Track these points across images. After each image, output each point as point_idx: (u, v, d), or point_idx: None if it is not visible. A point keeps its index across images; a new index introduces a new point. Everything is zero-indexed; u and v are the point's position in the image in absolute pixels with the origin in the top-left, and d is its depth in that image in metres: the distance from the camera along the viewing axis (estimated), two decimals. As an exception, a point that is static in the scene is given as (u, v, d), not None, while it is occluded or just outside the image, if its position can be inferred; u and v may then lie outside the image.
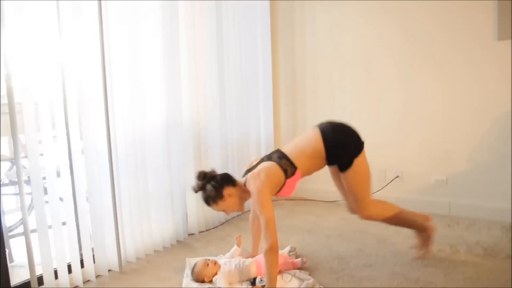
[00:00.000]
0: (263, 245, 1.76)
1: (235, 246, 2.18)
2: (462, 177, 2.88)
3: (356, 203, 2.02)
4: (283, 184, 1.91)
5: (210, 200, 1.89)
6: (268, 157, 1.97)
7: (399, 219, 2.11)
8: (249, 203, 2.09)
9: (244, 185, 1.92)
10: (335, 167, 2.05)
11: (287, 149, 1.97)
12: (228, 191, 1.89)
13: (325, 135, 1.94)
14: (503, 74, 2.67)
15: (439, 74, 2.90)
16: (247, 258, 2.09)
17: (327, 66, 3.37)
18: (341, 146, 1.94)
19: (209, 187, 1.89)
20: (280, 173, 1.88)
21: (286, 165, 1.90)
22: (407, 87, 3.04)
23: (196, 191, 1.94)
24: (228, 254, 2.20)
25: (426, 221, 2.15)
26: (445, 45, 2.85)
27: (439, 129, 2.94)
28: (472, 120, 2.81)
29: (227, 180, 1.92)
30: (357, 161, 1.93)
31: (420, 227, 2.13)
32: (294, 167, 1.91)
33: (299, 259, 2.09)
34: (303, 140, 2.00)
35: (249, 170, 1.97)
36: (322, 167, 2.02)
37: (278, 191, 1.93)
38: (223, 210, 1.93)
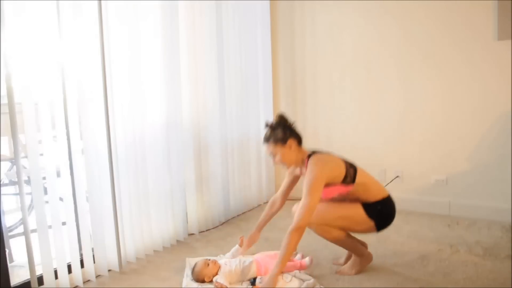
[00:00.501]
0: (293, 223, 1.77)
1: (237, 246, 2.18)
2: (462, 177, 2.88)
3: (318, 214, 1.89)
4: (334, 184, 1.91)
5: (272, 138, 1.94)
6: (342, 158, 1.99)
7: (338, 244, 2.02)
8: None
9: (307, 158, 1.93)
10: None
11: (358, 167, 1.98)
12: (293, 143, 1.94)
13: (390, 198, 2.01)
14: (503, 74, 2.67)
15: (439, 74, 2.90)
16: (251, 243, 2.15)
17: (327, 66, 3.37)
18: (386, 213, 1.98)
19: (281, 128, 1.95)
20: (341, 173, 1.90)
21: (350, 173, 1.91)
22: (407, 87, 3.04)
23: (268, 126, 1.99)
24: (228, 254, 2.20)
25: (365, 248, 2.11)
26: (445, 45, 2.85)
27: (439, 129, 2.94)
28: (472, 120, 2.81)
29: (298, 136, 1.99)
30: (370, 224, 1.93)
31: (359, 253, 2.05)
32: (353, 181, 1.92)
33: (307, 258, 2.09)
34: (374, 178, 2.03)
35: (315, 152, 1.98)
36: (363, 203, 1.97)
37: (325, 186, 1.90)
38: (275, 155, 1.96)
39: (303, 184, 1.84)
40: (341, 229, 1.96)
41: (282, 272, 1.98)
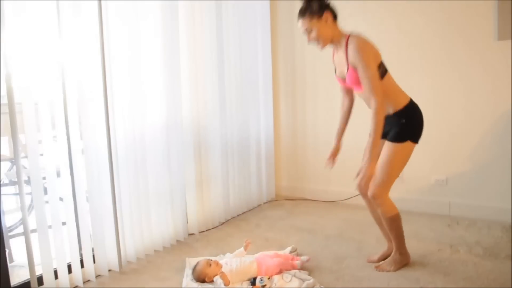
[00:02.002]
0: (372, 103, 1.82)
1: (242, 249, 2.19)
2: (462, 177, 2.88)
3: (378, 185, 1.97)
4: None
5: (308, 10, 1.89)
6: None
7: (392, 225, 2.03)
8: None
9: (346, 38, 1.91)
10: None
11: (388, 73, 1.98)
12: (328, 17, 1.89)
13: (412, 103, 2.03)
14: (503, 74, 2.67)
15: (439, 74, 2.90)
16: (332, 156, 2.23)
17: (327, 66, 3.37)
18: (413, 120, 2.00)
19: (316, 2, 1.90)
20: (379, 59, 1.90)
21: (383, 66, 1.92)
22: (407, 86, 3.02)
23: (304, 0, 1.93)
24: (231, 255, 2.20)
25: (406, 250, 2.10)
26: (445, 45, 2.85)
27: (439, 129, 2.94)
28: (472, 120, 2.81)
29: (333, 11, 1.93)
30: (408, 144, 1.97)
31: (403, 250, 2.07)
32: (382, 76, 1.90)
33: (304, 257, 2.10)
34: (395, 84, 2.04)
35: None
36: (386, 113, 1.96)
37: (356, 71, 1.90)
38: (310, 30, 1.93)
39: (363, 79, 1.83)
40: (398, 171, 1.99)
41: (282, 272, 1.98)
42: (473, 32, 2.74)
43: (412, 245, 2.34)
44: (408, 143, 1.97)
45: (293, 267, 2.03)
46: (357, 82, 1.91)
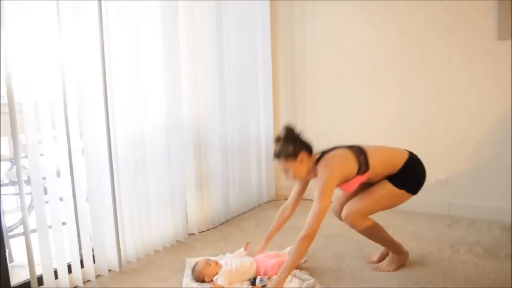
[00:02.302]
0: (303, 229, 1.75)
1: (242, 249, 2.19)
2: (462, 177, 2.88)
3: (354, 207, 1.94)
4: (351, 178, 1.90)
5: (282, 154, 1.89)
6: (349, 147, 1.96)
7: (379, 236, 2.02)
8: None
9: (316, 163, 1.91)
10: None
11: (368, 148, 1.96)
12: (303, 156, 1.89)
13: (411, 160, 1.98)
14: (503, 74, 2.67)
15: (439, 74, 2.90)
16: (256, 254, 2.11)
17: (327, 66, 3.37)
18: (413, 177, 1.98)
19: (290, 142, 1.90)
20: (354, 166, 1.87)
21: (362, 161, 1.88)
22: (407, 87, 3.04)
23: (277, 141, 1.94)
24: (231, 255, 2.20)
25: (402, 248, 2.09)
26: (445, 45, 2.85)
27: (439, 129, 2.94)
28: (472, 120, 2.81)
29: (308, 147, 1.94)
30: (402, 193, 1.94)
31: (398, 251, 2.06)
32: (367, 167, 1.89)
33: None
34: (388, 149, 2.01)
35: (323, 152, 1.96)
36: (382, 178, 1.98)
37: (343, 183, 1.91)
38: (286, 170, 1.92)
39: (315, 190, 1.82)
40: (379, 210, 1.95)
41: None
42: (473, 32, 2.74)
43: (412, 245, 2.34)
44: (403, 192, 1.95)
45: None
46: (350, 188, 1.94)
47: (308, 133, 3.48)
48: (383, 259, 2.13)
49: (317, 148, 3.55)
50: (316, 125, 3.47)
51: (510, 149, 2.68)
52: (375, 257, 2.17)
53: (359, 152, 1.91)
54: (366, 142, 3.24)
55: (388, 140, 3.13)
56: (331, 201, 1.81)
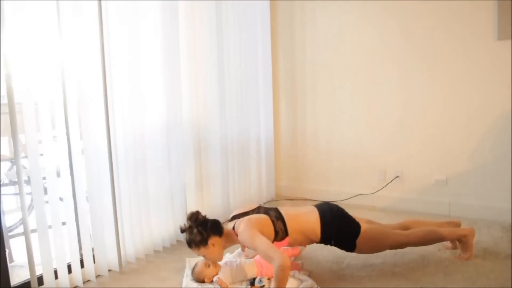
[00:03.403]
0: (274, 265, 1.69)
1: (239, 249, 2.19)
2: (462, 177, 2.88)
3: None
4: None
5: (193, 244, 1.87)
6: (265, 211, 1.96)
7: (432, 239, 2.06)
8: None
9: (233, 228, 1.90)
10: None
11: (285, 213, 1.95)
12: (213, 240, 1.87)
13: (324, 221, 1.95)
14: (503, 74, 2.67)
15: (439, 74, 2.90)
16: (252, 257, 2.09)
17: (327, 66, 3.37)
18: (338, 235, 1.96)
19: (195, 231, 1.86)
20: (271, 231, 1.88)
21: (279, 227, 1.89)
22: (407, 87, 3.04)
23: (182, 231, 1.92)
24: (230, 255, 2.20)
25: (458, 226, 2.14)
26: (445, 45, 2.85)
27: (439, 129, 2.94)
28: (472, 120, 2.81)
29: (215, 229, 1.90)
30: (360, 240, 1.94)
31: (458, 237, 2.11)
32: (285, 234, 1.90)
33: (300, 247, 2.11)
34: (303, 214, 1.99)
35: (237, 215, 1.97)
36: (311, 243, 2.02)
37: None
38: (203, 256, 1.93)
39: (259, 253, 1.80)
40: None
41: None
42: (473, 32, 2.74)
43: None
44: (359, 240, 1.95)
45: (294, 267, 2.03)
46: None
47: (308, 133, 3.51)
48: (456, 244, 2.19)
49: (317, 147, 3.55)
50: (316, 125, 3.47)
51: (510, 149, 2.68)
52: (449, 244, 2.24)
53: (277, 219, 1.91)
54: (366, 142, 3.24)
55: (388, 140, 3.13)
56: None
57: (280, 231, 1.89)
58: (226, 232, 1.94)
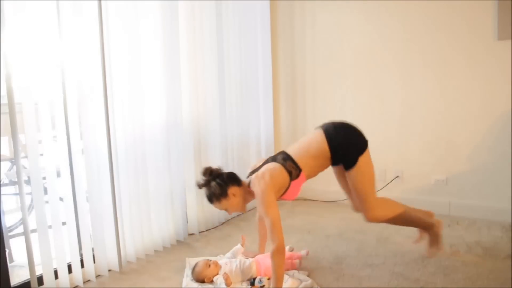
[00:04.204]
0: (270, 246, 1.73)
1: (239, 245, 2.18)
2: (462, 177, 2.88)
3: (361, 204, 1.99)
4: (288, 187, 1.89)
5: (213, 197, 1.89)
6: (273, 159, 1.95)
7: (403, 219, 2.08)
8: (254, 204, 2.07)
9: (249, 186, 1.91)
10: (340, 167, 2.04)
11: (291, 151, 1.95)
12: (232, 190, 1.89)
13: (329, 135, 1.93)
14: (503, 74, 2.67)
15: (439, 74, 2.90)
16: (252, 257, 2.09)
17: (327, 66, 3.37)
18: (345, 145, 1.93)
19: (214, 184, 1.88)
20: (285, 175, 1.87)
21: (291, 167, 1.88)
22: (408, 87, 3.04)
23: (200, 187, 1.93)
24: (229, 254, 2.20)
25: (430, 217, 2.14)
26: (446, 45, 2.85)
27: (439, 129, 2.94)
28: (472, 120, 2.81)
29: (233, 179, 1.91)
30: (361, 160, 1.93)
31: (425, 225, 2.12)
32: (299, 169, 1.89)
33: (303, 251, 2.10)
34: (307, 141, 1.98)
35: (253, 172, 1.95)
36: (326, 167, 2.00)
37: (283, 194, 1.92)
38: (225, 209, 1.93)
39: (259, 208, 1.83)
40: (373, 185, 1.97)
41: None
42: (473, 32, 2.74)
43: (412, 245, 2.34)
44: (361, 158, 1.93)
45: (293, 267, 2.03)
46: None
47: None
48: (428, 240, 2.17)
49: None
50: (316, 125, 3.46)
51: (510, 149, 2.68)
52: (417, 235, 2.23)
53: (285, 160, 1.90)
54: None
55: (388, 140, 3.13)
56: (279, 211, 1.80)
57: (292, 170, 1.87)
58: (244, 184, 1.94)
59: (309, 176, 1.96)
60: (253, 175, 1.89)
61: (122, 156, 2.18)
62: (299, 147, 1.96)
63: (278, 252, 1.72)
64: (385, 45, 3.08)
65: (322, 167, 1.99)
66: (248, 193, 1.94)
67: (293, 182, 1.90)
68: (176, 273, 2.12)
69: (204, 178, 1.92)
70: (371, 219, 2.00)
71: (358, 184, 1.96)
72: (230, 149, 3.03)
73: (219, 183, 1.87)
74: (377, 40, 3.11)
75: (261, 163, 1.99)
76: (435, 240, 2.12)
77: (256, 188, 1.82)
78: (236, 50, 3.05)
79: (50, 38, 1.88)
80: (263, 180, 1.82)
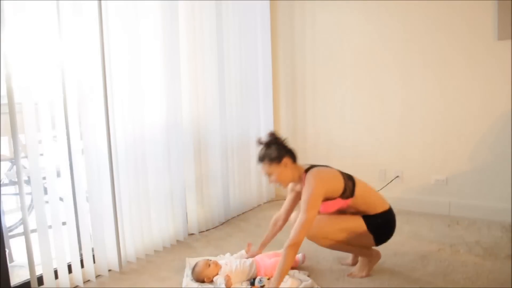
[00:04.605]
0: (289, 239, 1.73)
1: (243, 251, 2.19)
2: (462, 177, 2.88)
3: (318, 226, 1.89)
4: (332, 199, 1.87)
5: (266, 158, 1.90)
6: (340, 172, 1.94)
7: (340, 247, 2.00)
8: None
9: (304, 172, 1.90)
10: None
11: (356, 179, 1.94)
12: (287, 161, 1.89)
13: (391, 211, 1.96)
14: (503, 74, 2.67)
15: (439, 74, 2.90)
16: (253, 256, 2.09)
17: (327, 66, 3.37)
18: (386, 226, 1.94)
19: (274, 146, 1.90)
20: (339, 187, 1.86)
21: (348, 187, 1.88)
22: (407, 87, 3.04)
23: (260, 143, 1.95)
24: (231, 256, 2.20)
25: (369, 249, 2.04)
26: (446, 45, 2.85)
27: (439, 129, 2.94)
28: (472, 120, 2.81)
29: (292, 153, 1.94)
30: (369, 237, 1.91)
31: (366, 253, 2.02)
32: (352, 195, 1.88)
33: (300, 254, 2.09)
34: (374, 191, 1.99)
35: (314, 166, 1.94)
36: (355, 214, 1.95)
37: (323, 201, 1.88)
38: (270, 174, 1.92)
39: (301, 200, 1.81)
40: (340, 242, 1.92)
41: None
42: (473, 32, 2.74)
43: (412, 245, 2.35)
44: (370, 237, 1.91)
45: (293, 267, 2.03)
46: (327, 209, 1.91)
47: (308, 133, 3.50)
48: (357, 261, 2.09)
49: (317, 148, 3.55)
50: (316, 125, 3.47)
51: (510, 149, 2.68)
52: (349, 260, 2.16)
53: (348, 178, 1.91)
54: (367, 142, 3.24)
55: (388, 140, 3.13)
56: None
57: (348, 189, 1.87)
58: (299, 167, 1.94)
59: (349, 206, 1.91)
60: (315, 167, 1.90)
61: (122, 156, 2.18)
62: (365, 185, 1.96)
63: (294, 247, 1.72)
64: (385, 45, 3.08)
65: (357, 211, 1.94)
66: (299, 176, 1.93)
67: (339, 199, 1.88)
68: (176, 273, 2.12)
69: (269, 137, 1.94)
70: (313, 236, 1.93)
71: (339, 225, 1.91)
72: (230, 149, 3.03)
73: (278, 148, 1.90)
74: (377, 40, 3.11)
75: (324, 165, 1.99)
76: (365, 267, 2.01)
77: (310, 180, 1.82)
78: (236, 50, 3.05)
79: (50, 38, 1.88)
80: (321, 176, 1.84)
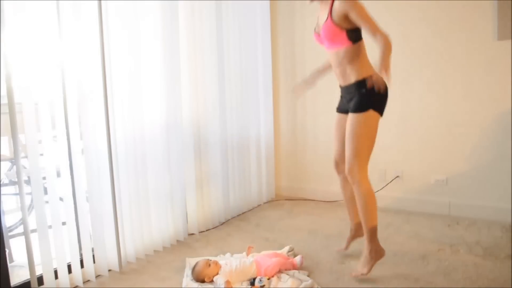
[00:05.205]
0: (377, 39, 1.82)
1: (244, 253, 2.19)
2: (462, 177, 2.88)
3: (349, 159, 1.93)
4: (345, 29, 1.93)
5: None
6: None
7: (367, 207, 1.98)
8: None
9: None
10: (343, 116, 2.07)
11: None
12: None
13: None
14: (503, 74, 2.67)
15: (439, 74, 2.90)
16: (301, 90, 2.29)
17: (327, 66, 3.37)
18: (373, 90, 1.92)
19: None
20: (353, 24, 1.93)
21: (359, 30, 1.96)
22: (407, 87, 3.04)
23: None
24: (231, 256, 2.20)
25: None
26: (445, 45, 2.85)
27: (439, 129, 2.94)
28: (472, 120, 2.81)
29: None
30: (370, 113, 1.93)
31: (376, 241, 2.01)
32: (357, 40, 1.98)
33: (298, 257, 2.10)
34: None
35: None
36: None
37: (336, 26, 1.92)
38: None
39: (363, 29, 1.88)
40: (368, 145, 1.96)
41: (280, 272, 1.98)
42: (473, 32, 2.74)
43: (412, 245, 2.35)
44: (371, 112, 1.93)
45: (293, 267, 2.04)
46: (331, 37, 1.92)
47: (308, 133, 3.50)
48: (349, 245, 2.15)
49: (317, 148, 3.55)
50: (316, 125, 3.47)
51: (510, 149, 2.68)
52: (344, 246, 2.22)
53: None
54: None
55: (388, 140, 3.13)
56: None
57: (359, 32, 1.99)
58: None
59: (346, 50, 1.97)
60: None
61: (122, 156, 2.18)
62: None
63: (386, 38, 1.81)
64: (385, 45, 3.08)
65: (349, 65, 2.00)
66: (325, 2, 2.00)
67: (345, 35, 1.94)
68: (176, 273, 2.12)
69: None
70: (351, 173, 1.94)
71: (354, 135, 1.94)
72: (230, 149, 3.03)
73: None
74: (377, 40, 3.11)
75: None
76: (367, 263, 1.98)
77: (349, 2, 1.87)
78: (236, 50, 3.05)
79: (50, 38, 1.88)
80: None
